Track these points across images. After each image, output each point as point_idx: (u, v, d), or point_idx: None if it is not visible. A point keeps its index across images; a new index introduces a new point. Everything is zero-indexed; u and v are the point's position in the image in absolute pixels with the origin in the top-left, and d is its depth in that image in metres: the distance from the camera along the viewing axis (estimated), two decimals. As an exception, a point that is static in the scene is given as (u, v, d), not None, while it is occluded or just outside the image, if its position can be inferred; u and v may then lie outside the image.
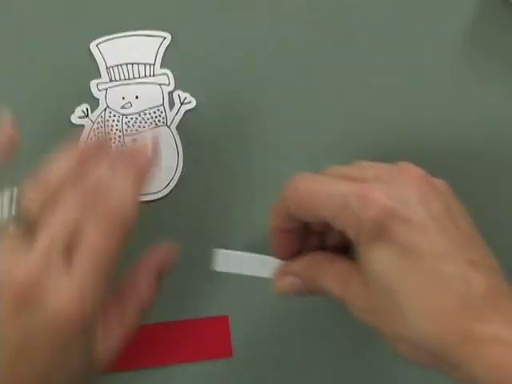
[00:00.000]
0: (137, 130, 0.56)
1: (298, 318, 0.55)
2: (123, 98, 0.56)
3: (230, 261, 0.49)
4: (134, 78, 0.56)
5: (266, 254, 0.49)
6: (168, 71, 0.57)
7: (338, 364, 0.54)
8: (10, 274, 0.42)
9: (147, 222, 0.56)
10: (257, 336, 0.55)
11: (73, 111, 0.56)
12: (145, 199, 0.56)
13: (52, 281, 0.42)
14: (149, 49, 0.57)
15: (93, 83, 0.56)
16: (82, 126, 0.56)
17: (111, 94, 0.56)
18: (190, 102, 0.56)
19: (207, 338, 0.54)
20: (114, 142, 0.56)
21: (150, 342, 0.54)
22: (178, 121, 0.56)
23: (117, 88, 0.56)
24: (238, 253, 0.49)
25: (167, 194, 0.56)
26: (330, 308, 0.54)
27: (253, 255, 0.49)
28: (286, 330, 0.54)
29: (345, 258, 0.46)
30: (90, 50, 0.56)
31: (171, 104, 0.56)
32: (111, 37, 0.57)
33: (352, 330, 0.54)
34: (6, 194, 0.45)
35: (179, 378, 0.54)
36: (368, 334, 0.45)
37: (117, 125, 0.56)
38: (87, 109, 0.56)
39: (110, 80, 0.56)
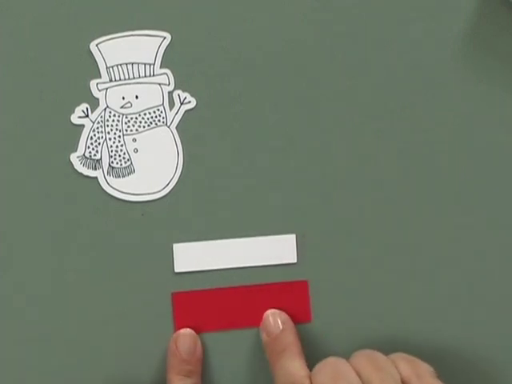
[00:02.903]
0: (137, 130, 0.56)
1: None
2: (123, 98, 0.56)
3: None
4: (134, 77, 0.56)
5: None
6: (168, 71, 0.56)
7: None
8: None
9: (147, 221, 0.56)
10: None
11: (73, 111, 0.56)
12: (144, 199, 0.56)
13: None
14: (149, 49, 0.57)
15: (93, 83, 0.56)
16: (82, 125, 0.56)
17: (111, 94, 0.56)
18: (189, 102, 0.56)
19: (286, 302, 0.55)
20: (114, 142, 0.56)
21: (227, 305, 0.55)
22: (178, 121, 0.56)
23: (117, 88, 0.56)
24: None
25: (167, 194, 0.56)
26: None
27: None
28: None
29: None
30: (90, 49, 0.56)
31: (171, 104, 0.56)
32: (111, 37, 0.56)
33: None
34: None
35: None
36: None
37: (117, 125, 0.56)
38: (87, 109, 0.56)
39: (110, 80, 0.56)
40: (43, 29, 0.56)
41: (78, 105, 0.56)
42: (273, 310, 0.55)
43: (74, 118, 0.56)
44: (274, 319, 0.55)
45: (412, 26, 0.57)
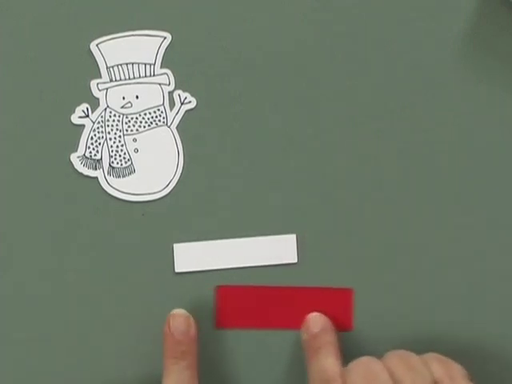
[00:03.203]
0: (137, 130, 0.56)
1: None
2: (123, 98, 0.56)
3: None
4: (134, 77, 0.56)
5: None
6: (168, 71, 0.56)
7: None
8: None
9: (147, 221, 0.56)
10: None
11: (73, 111, 0.56)
12: (145, 199, 0.56)
13: None
14: (149, 49, 0.57)
15: (93, 83, 0.56)
16: (83, 125, 0.56)
17: (111, 94, 0.56)
18: (190, 102, 0.56)
19: (329, 308, 0.56)
20: (114, 142, 0.56)
21: (269, 304, 0.56)
22: (178, 121, 0.56)
23: (117, 88, 0.56)
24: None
25: (167, 194, 0.56)
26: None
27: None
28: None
29: None
30: (90, 49, 0.56)
31: (171, 104, 0.56)
32: (111, 37, 0.56)
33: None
34: None
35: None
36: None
37: (117, 125, 0.56)
38: (87, 109, 0.56)
39: (110, 80, 0.56)
40: (43, 29, 0.56)
41: (79, 105, 0.56)
42: (316, 313, 0.56)
43: (75, 118, 0.56)
44: (316, 320, 0.56)
45: (412, 26, 0.57)
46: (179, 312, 0.55)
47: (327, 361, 0.53)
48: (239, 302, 0.56)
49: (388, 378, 0.51)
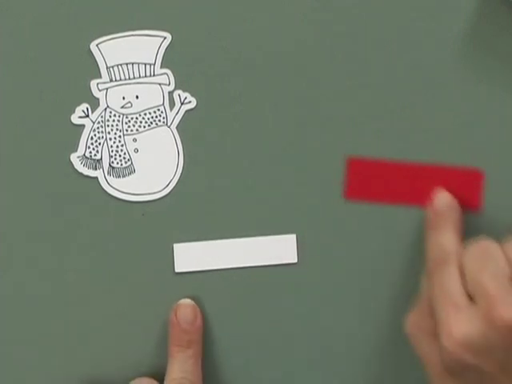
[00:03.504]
0: (137, 130, 0.56)
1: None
2: (123, 98, 0.56)
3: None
4: (134, 77, 0.56)
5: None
6: (168, 71, 0.56)
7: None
8: None
9: (147, 221, 0.56)
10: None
11: (73, 111, 0.56)
12: (145, 199, 0.56)
13: None
14: (149, 49, 0.57)
15: (93, 83, 0.56)
16: (83, 125, 0.56)
17: (111, 94, 0.56)
18: (190, 102, 0.56)
19: (457, 187, 0.56)
20: (114, 142, 0.56)
21: (398, 179, 0.56)
22: (178, 121, 0.56)
23: (117, 88, 0.56)
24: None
25: (167, 194, 0.56)
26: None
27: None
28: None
29: None
30: (90, 49, 0.56)
31: (171, 104, 0.56)
32: (111, 37, 0.56)
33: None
34: None
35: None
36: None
37: (117, 125, 0.56)
38: (87, 109, 0.56)
39: (110, 80, 0.56)
40: (43, 29, 0.56)
41: (79, 105, 0.56)
42: (443, 193, 0.56)
43: (75, 118, 0.56)
44: (441, 197, 0.55)
45: (412, 26, 0.57)
46: (186, 302, 0.55)
47: (446, 236, 0.53)
48: (369, 174, 0.56)
49: (505, 261, 0.50)
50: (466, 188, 0.56)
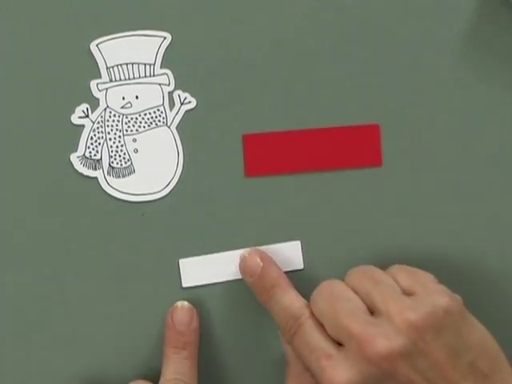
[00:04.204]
0: (137, 130, 0.56)
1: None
2: (123, 98, 0.56)
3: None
4: (134, 77, 0.56)
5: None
6: (168, 71, 0.56)
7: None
8: None
9: (147, 222, 0.56)
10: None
11: (73, 111, 0.56)
12: (145, 199, 0.56)
13: None
14: (149, 49, 0.57)
15: (93, 83, 0.56)
16: (83, 125, 0.56)
17: (111, 94, 0.56)
18: (190, 102, 0.56)
19: (357, 145, 0.55)
20: (114, 142, 0.56)
21: (299, 148, 0.55)
22: (178, 121, 0.56)
23: (117, 88, 0.56)
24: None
25: (167, 194, 0.56)
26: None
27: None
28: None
29: None
30: (90, 49, 0.56)
31: (171, 104, 0.56)
32: (111, 37, 0.56)
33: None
34: None
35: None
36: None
37: (117, 125, 0.56)
38: (87, 109, 0.56)
39: (110, 80, 0.56)
40: (43, 29, 0.56)
41: (79, 105, 0.56)
42: (248, 250, 0.55)
43: (74, 118, 0.56)
44: (253, 258, 0.54)
45: (412, 26, 0.57)
46: (182, 304, 0.55)
47: (287, 297, 0.52)
48: (267, 148, 0.55)
49: (353, 295, 0.50)
50: (366, 144, 0.55)
